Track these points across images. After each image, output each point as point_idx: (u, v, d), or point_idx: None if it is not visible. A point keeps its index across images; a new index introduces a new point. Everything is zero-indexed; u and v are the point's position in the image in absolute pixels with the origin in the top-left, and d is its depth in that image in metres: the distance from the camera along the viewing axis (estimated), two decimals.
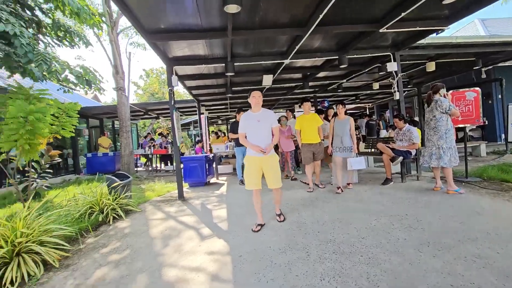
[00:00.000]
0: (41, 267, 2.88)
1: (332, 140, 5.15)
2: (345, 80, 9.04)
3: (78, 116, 5.23)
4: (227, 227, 3.67)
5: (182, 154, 11.26)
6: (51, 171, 6.94)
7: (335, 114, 5.25)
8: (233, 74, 6.00)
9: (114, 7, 10.23)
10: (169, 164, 11.12)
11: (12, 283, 2.64)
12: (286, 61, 6.12)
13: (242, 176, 6.80)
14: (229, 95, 9.08)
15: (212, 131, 14.27)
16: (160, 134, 12.75)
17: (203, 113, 11.69)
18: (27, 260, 2.87)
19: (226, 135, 15.10)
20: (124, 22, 29.99)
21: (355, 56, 6.15)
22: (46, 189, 6.75)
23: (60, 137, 5.17)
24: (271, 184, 3.35)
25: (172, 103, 5.61)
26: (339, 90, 10.18)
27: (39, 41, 6.12)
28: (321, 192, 5.15)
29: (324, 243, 2.86)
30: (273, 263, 2.52)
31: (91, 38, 16.66)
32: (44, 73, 4.10)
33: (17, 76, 5.92)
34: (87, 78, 4.51)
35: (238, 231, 3.45)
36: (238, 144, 6.68)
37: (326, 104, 11.63)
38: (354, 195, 4.67)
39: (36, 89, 4.65)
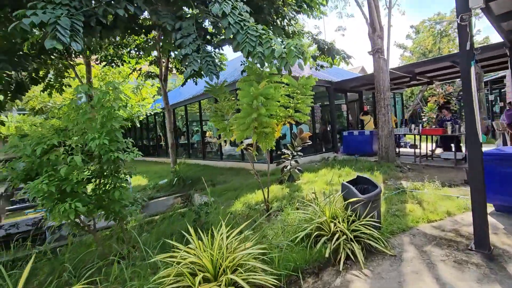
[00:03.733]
0: None
1: None
2: None
3: (313, 93, 3.96)
4: None
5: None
6: (301, 154, 6.67)
7: None
8: None
9: None
10: (453, 148, 7.46)
11: None
12: None
13: None
14: None
15: None
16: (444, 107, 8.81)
17: None
18: None
19: None
20: None
21: None
22: (298, 172, 6.56)
23: (294, 122, 4.25)
24: None
25: (468, 47, 2.68)
26: None
27: (284, 15, 5.54)
28: None
29: None
30: None
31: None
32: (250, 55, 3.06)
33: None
34: (295, 55, 2.98)
35: None
36: None
37: None
38: None
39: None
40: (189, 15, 3.51)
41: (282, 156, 6.58)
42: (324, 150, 10.52)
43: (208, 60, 3.23)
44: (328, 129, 11.08)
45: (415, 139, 8.39)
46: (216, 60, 8.65)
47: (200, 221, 3.82)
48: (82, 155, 2.53)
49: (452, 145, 7.47)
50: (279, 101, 3.93)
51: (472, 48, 2.71)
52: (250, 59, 3.47)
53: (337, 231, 2.85)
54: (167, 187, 7.72)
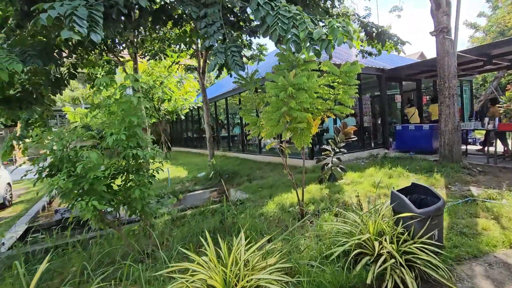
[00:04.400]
0: None
1: None
2: None
3: (358, 82, 3.36)
4: None
5: None
6: (345, 150, 5.97)
7: None
8: None
9: None
10: None
11: None
12: None
13: None
14: None
15: None
16: None
17: None
18: None
19: None
20: None
21: None
22: (341, 171, 5.92)
23: (334, 117, 3.69)
24: None
25: None
26: None
27: None
28: None
29: None
30: None
31: None
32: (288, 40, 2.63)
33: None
34: (340, 34, 2.44)
35: None
36: None
37: None
38: None
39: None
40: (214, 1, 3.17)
41: (323, 153, 6.00)
42: (372, 146, 9.53)
43: (233, 51, 2.88)
44: (379, 122, 9.98)
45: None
46: (256, 52, 8.29)
47: (227, 222, 3.58)
48: (103, 151, 2.44)
49: None
50: (317, 92, 3.43)
51: None
52: (282, 45, 3.04)
53: (384, 251, 2.31)
54: (203, 181, 7.74)
